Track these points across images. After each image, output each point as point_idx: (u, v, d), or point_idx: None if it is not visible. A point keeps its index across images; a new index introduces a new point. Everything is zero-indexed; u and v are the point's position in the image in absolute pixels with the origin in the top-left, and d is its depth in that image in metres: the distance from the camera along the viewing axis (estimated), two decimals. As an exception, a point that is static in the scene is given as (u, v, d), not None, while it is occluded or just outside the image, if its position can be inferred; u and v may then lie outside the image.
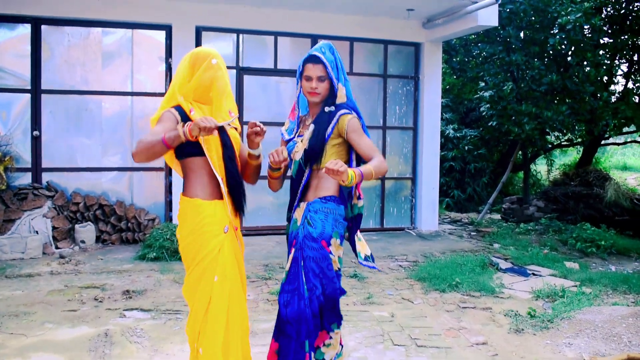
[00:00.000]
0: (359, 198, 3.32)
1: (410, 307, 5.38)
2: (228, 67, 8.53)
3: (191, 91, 3.05)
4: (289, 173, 3.40)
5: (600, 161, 16.77)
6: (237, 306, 3.04)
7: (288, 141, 3.41)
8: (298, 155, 3.25)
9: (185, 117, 2.98)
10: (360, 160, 3.26)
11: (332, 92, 3.25)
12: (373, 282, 6.16)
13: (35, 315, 4.96)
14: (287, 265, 3.21)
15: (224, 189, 3.02)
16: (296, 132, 3.40)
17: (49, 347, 4.27)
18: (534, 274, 6.87)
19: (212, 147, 3.01)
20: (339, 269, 3.22)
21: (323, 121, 3.20)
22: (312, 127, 3.22)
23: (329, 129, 3.18)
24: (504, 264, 7.18)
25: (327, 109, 3.24)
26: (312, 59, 3.21)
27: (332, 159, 3.16)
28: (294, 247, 3.22)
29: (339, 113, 3.18)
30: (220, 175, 3.02)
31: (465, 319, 5.07)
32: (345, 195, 3.32)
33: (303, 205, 3.27)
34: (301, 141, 3.27)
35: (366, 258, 3.36)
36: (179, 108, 3.02)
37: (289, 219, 3.39)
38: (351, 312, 5.15)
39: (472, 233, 9.55)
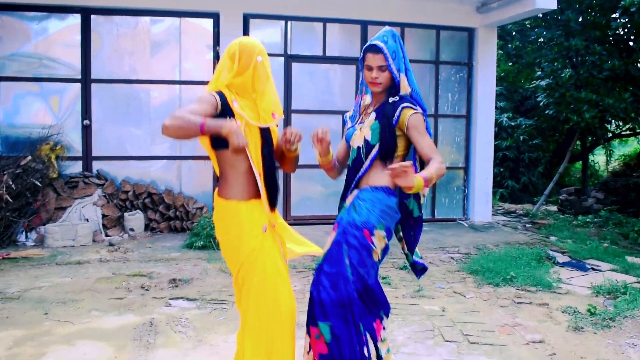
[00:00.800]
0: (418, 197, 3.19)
1: (462, 301, 5.15)
2: (276, 55, 8.63)
3: (236, 86, 2.94)
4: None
5: (662, 151, 16.02)
6: (284, 303, 2.92)
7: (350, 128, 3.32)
8: (356, 142, 3.15)
9: (226, 105, 2.87)
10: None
11: (394, 82, 3.12)
12: (424, 275, 5.94)
13: (83, 303, 4.96)
14: (326, 246, 3.07)
15: (261, 186, 2.91)
16: (358, 119, 3.29)
17: (94, 334, 4.24)
18: (593, 269, 6.53)
19: (251, 141, 2.90)
20: (379, 261, 3.09)
21: (389, 114, 3.07)
22: (373, 115, 3.12)
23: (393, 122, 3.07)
24: (561, 258, 6.85)
25: (391, 99, 3.10)
26: (372, 49, 3.08)
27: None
28: (336, 231, 3.09)
29: (401, 105, 3.04)
30: (258, 171, 2.92)
31: (521, 315, 4.81)
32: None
33: (355, 192, 3.16)
34: (360, 129, 3.17)
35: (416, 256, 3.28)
36: (221, 94, 2.91)
37: (340, 208, 3.26)
38: (400, 305, 4.97)
39: (527, 225, 9.20)
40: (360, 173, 3.13)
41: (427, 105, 8.96)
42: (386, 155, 3.06)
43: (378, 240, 3.00)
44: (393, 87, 3.12)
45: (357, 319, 2.95)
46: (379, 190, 3.06)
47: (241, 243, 2.88)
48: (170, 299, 5.09)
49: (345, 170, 3.29)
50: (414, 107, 3.04)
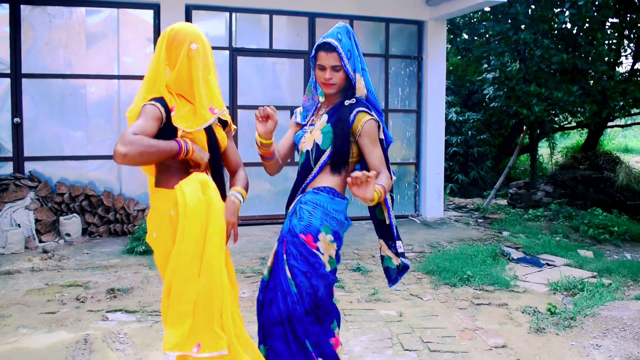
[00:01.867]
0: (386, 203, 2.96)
1: (419, 304, 4.94)
2: (221, 48, 8.22)
3: (172, 82, 2.61)
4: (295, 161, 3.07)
5: (602, 144, 16.30)
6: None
7: (300, 125, 3.07)
8: (305, 146, 2.90)
9: (168, 114, 2.56)
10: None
11: (349, 83, 2.87)
12: (378, 275, 5.72)
13: (10, 319, 4.52)
14: (269, 260, 2.86)
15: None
16: (309, 120, 3.02)
17: (21, 356, 3.83)
18: (547, 264, 6.46)
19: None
20: (333, 271, 2.85)
21: (343, 117, 2.82)
22: (325, 117, 2.88)
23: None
24: (515, 254, 6.75)
25: (347, 102, 2.86)
26: (326, 47, 2.81)
27: None
28: (277, 241, 2.86)
29: (356, 109, 2.81)
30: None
31: (481, 317, 4.64)
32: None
33: (297, 198, 2.93)
34: (310, 132, 2.91)
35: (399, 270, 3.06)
36: (161, 100, 2.58)
37: (287, 214, 2.99)
38: (355, 310, 4.72)
39: (479, 220, 9.13)
40: (308, 180, 2.89)
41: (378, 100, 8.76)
42: (338, 162, 2.82)
43: (325, 245, 2.76)
44: (348, 88, 2.88)
45: (300, 336, 2.69)
46: (321, 192, 2.82)
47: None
48: (107, 311, 4.70)
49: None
50: (369, 112, 2.81)
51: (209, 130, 2.67)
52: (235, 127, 2.98)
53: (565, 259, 6.60)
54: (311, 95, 3.06)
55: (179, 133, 2.56)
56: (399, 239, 3.04)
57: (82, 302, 4.94)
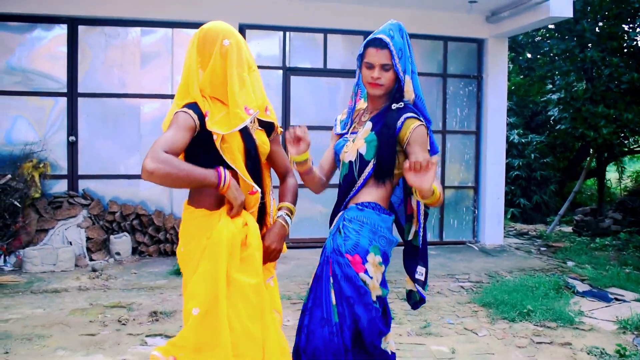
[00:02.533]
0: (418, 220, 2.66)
1: (474, 340, 4.59)
2: (274, 68, 8.11)
3: (206, 84, 2.42)
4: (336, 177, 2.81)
5: (674, 169, 15.41)
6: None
7: (340, 135, 2.80)
8: (348, 156, 2.64)
9: (203, 122, 2.38)
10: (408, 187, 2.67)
11: (398, 85, 2.61)
12: (431, 306, 5.40)
13: (50, 340, 4.45)
14: (310, 282, 2.61)
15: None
16: (349, 127, 2.77)
17: (54, 381, 3.73)
18: (616, 299, 5.97)
19: (235, 157, 2.42)
20: (382, 298, 2.55)
21: (390, 123, 2.56)
22: (369, 125, 2.62)
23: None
24: (581, 286, 6.28)
25: (395, 105, 2.60)
26: (376, 43, 2.57)
27: None
28: (320, 262, 2.61)
29: (404, 115, 2.55)
30: (248, 181, 2.46)
31: (541, 357, 4.25)
32: (398, 207, 2.78)
33: (340, 214, 2.67)
34: (353, 140, 2.66)
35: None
36: (194, 106, 2.39)
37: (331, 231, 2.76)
38: (404, 345, 4.41)
39: (542, 248, 8.63)
40: (351, 193, 2.63)
41: (434, 121, 8.46)
42: (382, 174, 2.56)
43: (374, 268, 2.50)
44: (395, 91, 2.63)
45: None
46: (366, 208, 2.57)
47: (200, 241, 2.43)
48: (147, 335, 4.56)
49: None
50: (418, 117, 2.55)
51: (246, 135, 2.44)
52: (282, 129, 2.72)
53: (635, 294, 6.10)
54: (355, 99, 2.82)
55: (216, 141, 2.37)
56: (424, 265, 2.70)
57: (124, 324, 4.83)
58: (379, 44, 2.56)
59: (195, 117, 2.35)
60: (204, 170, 2.26)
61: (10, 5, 7.21)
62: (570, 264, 7.51)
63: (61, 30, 7.55)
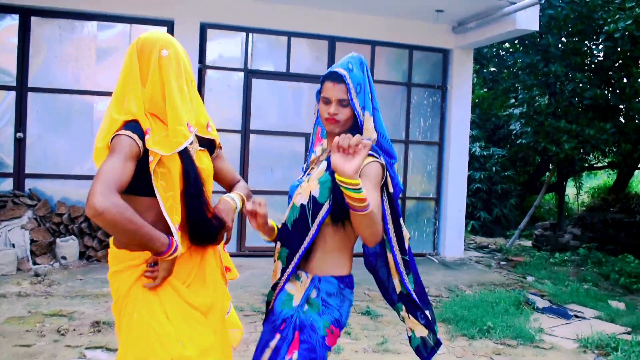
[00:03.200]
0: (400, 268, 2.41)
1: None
2: (236, 69, 7.86)
3: (146, 100, 2.16)
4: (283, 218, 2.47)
5: (632, 185, 15.62)
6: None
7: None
8: (300, 199, 2.36)
9: (143, 139, 2.11)
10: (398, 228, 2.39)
11: (357, 122, 2.37)
12: (389, 321, 5.22)
13: (-20, 351, 4.12)
14: (263, 355, 2.29)
15: (175, 234, 2.13)
16: (306, 170, 2.52)
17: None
18: (576, 316, 5.91)
19: (172, 183, 2.14)
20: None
21: None
22: (323, 164, 2.36)
23: None
24: (541, 302, 6.21)
25: None
26: (333, 76, 2.34)
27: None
28: (279, 333, 2.28)
29: None
30: (173, 221, 2.14)
31: (502, 377, 4.11)
32: (375, 262, 2.56)
33: (306, 279, 2.34)
34: (307, 181, 2.39)
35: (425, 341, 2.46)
36: (136, 126, 2.12)
37: (274, 287, 2.48)
38: (361, 362, 4.23)
39: (502, 262, 8.56)
40: (306, 243, 2.31)
41: (398, 131, 8.35)
42: (339, 217, 2.28)
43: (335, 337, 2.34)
44: (354, 128, 2.38)
45: None
46: (346, 285, 2.36)
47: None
48: (87, 347, 4.26)
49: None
50: (375, 155, 2.29)
51: (186, 157, 2.17)
52: (221, 146, 2.48)
53: (595, 311, 6.05)
54: (314, 140, 2.58)
55: (151, 163, 2.10)
56: (428, 307, 2.45)
57: (63, 334, 4.52)
58: (335, 77, 2.33)
59: (139, 141, 2.09)
60: (155, 233, 2.02)
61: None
62: (530, 279, 7.44)
63: (12, 20, 7.18)
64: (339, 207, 2.28)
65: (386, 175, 2.32)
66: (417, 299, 2.41)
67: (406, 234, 2.41)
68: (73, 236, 7.00)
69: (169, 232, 2.10)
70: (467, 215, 11.50)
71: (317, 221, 2.30)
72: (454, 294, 6.30)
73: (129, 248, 2.15)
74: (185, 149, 2.15)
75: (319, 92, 2.42)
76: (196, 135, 2.26)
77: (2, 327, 4.64)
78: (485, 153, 12.42)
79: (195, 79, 2.33)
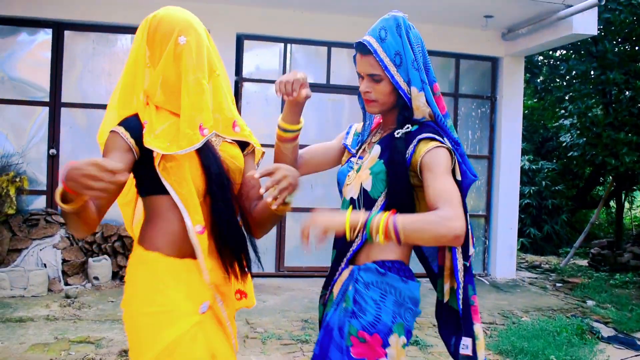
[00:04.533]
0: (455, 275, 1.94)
1: (491, 397, 3.97)
2: (273, 82, 7.47)
3: (154, 90, 1.85)
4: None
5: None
6: None
7: (347, 149, 2.19)
8: (350, 191, 1.99)
9: (139, 134, 1.81)
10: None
11: (403, 101, 1.94)
12: (440, 352, 4.75)
13: (-1, 383, 3.84)
14: None
15: (195, 240, 1.81)
16: (358, 149, 2.12)
17: None
18: (645, 346, 5.35)
19: (184, 178, 1.80)
20: None
21: (399, 150, 1.90)
22: (376, 149, 1.96)
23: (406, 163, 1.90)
24: (605, 331, 5.65)
25: (397, 133, 1.92)
26: (360, 47, 1.95)
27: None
28: (318, 341, 1.93)
29: (418, 137, 1.88)
30: (193, 218, 1.81)
31: (572, 422, 3.62)
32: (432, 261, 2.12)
33: (346, 271, 1.97)
34: (356, 171, 2.00)
35: None
36: (132, 121, 1.84)
37: (322, 296, 2.10)
38: (410, 401, 3.79)
39: (558, 284, 7.98)
40: (355, 245, 1.93)
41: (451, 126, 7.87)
42: (400, 209, 1.83)
43: (397, 352, 1.84)
44: (402, 108, 1.96)
45: None
46: (390, 271, 1.89)
47: (160, 324, 1.80)
48: (111, 381, 3.94)
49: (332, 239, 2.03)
50: (437, 138, 1.87)
51: (204, 149, 1.85)
52: (264, 152, 2.14)
53: (666, 340, 5.49)
54: (366, 114, 2.17)
55: (155, 159, 1.80)
56: (469, 335, 1.96)
57: (88, 365, 4.22)
58: (362, 48, 1.96)
59: (127, 136, 1.80)
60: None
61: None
62: (590, 303, 6.86)
63: (46, 35, 7.01)
64: (396, 202, 1.87)
65: (454, 162, 1.89)
66: (463, 318, 1.95)
67: (471, 238, 1.97)
68: (106, 256, 6.75)
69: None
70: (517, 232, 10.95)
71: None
72: (509, 320, 5.79)
73: (157, 245, 1.88)
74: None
75: (354, 64, 2.04)
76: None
77: (26, 355, 4.37)
78: (534, 167, 11.84)
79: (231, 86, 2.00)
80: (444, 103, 2.03)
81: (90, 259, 6.62)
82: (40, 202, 6.97)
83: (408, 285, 1.90)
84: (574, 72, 8.83)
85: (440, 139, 1.88)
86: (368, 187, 1.93)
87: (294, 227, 7.44)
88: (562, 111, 10.77)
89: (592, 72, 8.44)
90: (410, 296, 1.90)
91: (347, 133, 2.24)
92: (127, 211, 2.09)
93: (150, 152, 1.80)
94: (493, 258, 8.04)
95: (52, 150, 6.96)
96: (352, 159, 2.09)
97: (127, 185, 1.94)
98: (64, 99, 7.01)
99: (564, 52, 9.55)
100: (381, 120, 2.12)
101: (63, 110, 7.02)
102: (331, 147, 2.29)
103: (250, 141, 2.05)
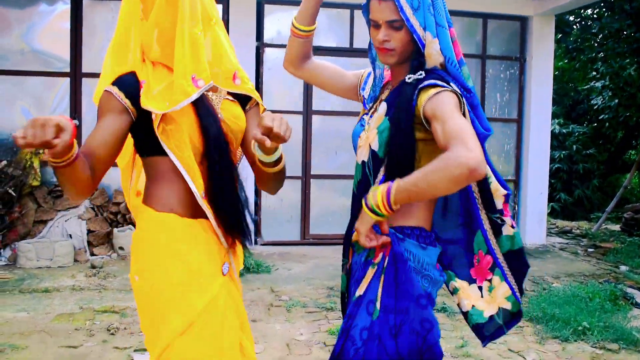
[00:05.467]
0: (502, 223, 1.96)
1: (521, 365, 3.86)
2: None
3: (150, 42, 1.75)
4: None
5: None
6: None
7: (363, 104, 2.07)
8: (361, 155, 1.88)
9: (135, 94, 1.72)
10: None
11: (418, 48, 1.82)
12: (467, 319, 4.66)
13: (25, 352, 3.84)
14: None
15: (202, 204, 1.73)
16: (372, 105, 1.99)
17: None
18: (682, 312, 5.18)
19: (183, 141, 1.71)
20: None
21: (403, 102, 1.76)
22: (383, 107, 1.83)
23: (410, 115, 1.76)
24: (639, 296, 5.49)
25: (409, 78, 1.80)
26: None
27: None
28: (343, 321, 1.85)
29: (419, 86, 1.74)
30: (195, 183, 1.71)
31: (606, 390, 3.51)
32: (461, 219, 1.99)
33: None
34: (366, 130, 1.89)
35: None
36: (127, 79, 1.74)
37: (344, 265, 2.01)
38: (438, 369, 3.70)
39: (589, 249, 7.79)
40: None
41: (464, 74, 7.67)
42: (396, 173, 1.73)
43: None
44: (417, 55, 1.84)
45: None
46: (408, 237, 1.80)
47: (187, 292, 1.74)
48: (135, 350, 3.92)
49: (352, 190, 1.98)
50: (436, 83, 1.73)
51: (203, 108, 1.75)
52: (265, 108, 1.98)
53: (703, 305, 5.30)
54: (375, 68, 2.03)
55: (154, 121, 1.71)
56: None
57: (113, 334, 4.21)
58: None
59: (121, 96, 1.71)
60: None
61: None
62: (623, 268, 6.68)
63: (64, 5, 6.94)
64: (394, 164, 1.77)
65: (463, 107, 1.76)
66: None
67: (498, 190, 1.91)
68: (130, 225, 6.75)
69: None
70: (547, 197, 10.73)
71: (377, 180, 1.82)
72: (539, 287, 5.66)
73: (170, 206, 1.79)
74: (202, 97, 1.74)
75: (365, 11, 1.89)
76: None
77: (51, 325, 4.37)
78: (564, 130, 11.56)
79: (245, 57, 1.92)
80: (460, 49, 1.89)
81: (115, 229, 6.63)
82: (64, 173, 6.97)
83: (427, 251, 1.81)
84: (606, 30, 8.51)
85: (444, 84, 1.74)
86: (375, 147, 1.82)
87: (319, 194, 7.36)
88: (594, 73, 10.45)
89: (625, 31, 8.09)
90: (430, 262, 1.81)
91: (365, 82, 2.10)
92: (125, 174, 1.99)
93: (149, 112, 1.71)
94: (523, 223, 7.86)
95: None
96: (365, 117, 1.97)
97: (125, 146, 1.84)
98: (84, 70, 6.97)
99: (597, 10, 9.19)
100: (391, 77, 1.98)
101: (84, 80, 6.97)
102: (344, 77, 2.17)
103: (253, 95, 1.94)
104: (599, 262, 6.97)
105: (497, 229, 1.95)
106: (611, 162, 12.97)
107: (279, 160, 1.77)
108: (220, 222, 1.79)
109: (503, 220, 1.94)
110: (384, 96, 1.94)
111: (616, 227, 9.75)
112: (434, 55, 1.81)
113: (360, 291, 1.82)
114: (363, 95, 2.08)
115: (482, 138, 1.85)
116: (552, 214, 11.05)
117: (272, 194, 1.99)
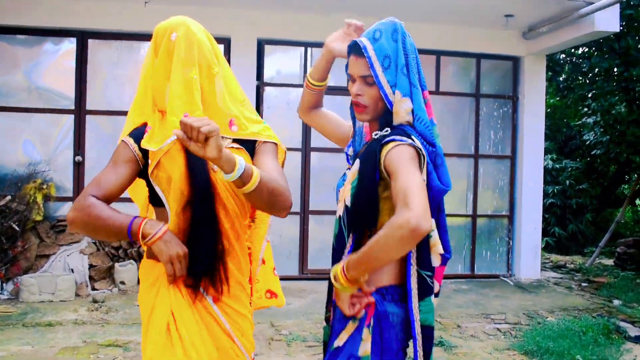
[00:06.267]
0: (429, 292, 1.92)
1: (517, 398, 3.96)
2: (295, 86, 7.60)
3: (162, 94, 1.90)
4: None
5: None
6: None
7: (346, 159, 2.19)
8: (338, 210, 1.97)
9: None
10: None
11: (385, 106, 1.94)
12: (465, 353, 4.76)
13: (31, 386, 3.92)
14: None
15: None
16: (353, 157, 2.11)
17: None
18: (674, 345, 5.29)
19: (170, 185, 1.85)
20: None
21: (369, 157, 1.87)
22: (357, 164, 1.93)
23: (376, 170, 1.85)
24: (632, 330, 5.61)
25: (375, 134, 1.93)
26: (355, 49, 1.96)
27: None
28: None
29: (382, 142, 1.85)
30: (177, 230, 1.86)
31: (600, 423, 3.61)
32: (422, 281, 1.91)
33: None
34: (344, 186, 2.01)
35: None
36: (140, 131, 1.90)
37: (327, 319, 2.11)
38: (436, 402, 3.80)
39: (583, 284, 7.91)
40: (345, 255, 1.93)
41: (466, 145, 7.87)
42: (360, 219, 1.86)
43: None
44: (387, 113, 1.95)
45: None
46: (389, 299, 1.90)
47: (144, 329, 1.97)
48: (140, 383, 4.00)
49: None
50: (399, 138, 1.82)
51: (192, 157, 1.80)
52: (285, 149, 2.16)
53: (695, 339, 5.41)
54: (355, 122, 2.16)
55: (150, 167, 1.86)
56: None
57: (117, 368, 4.29)
58: (356, 49, 1.96)
59: (133, 144, 1.87)
60: (121, 217, 1.77)
61: (21, 18, 6.80)
62: (616, 302, 6.80)
63: (70, 44, 7.14)
64: (358, 217, 1.86)
65: (423, 159, 1.83)
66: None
67: (436, 246, 1.88)
68: (132, 260, 6.85)
69: None
70: (541, 232, 10.85)
71: (351, 234, 1.90)
72: (534, 321, 5.77)
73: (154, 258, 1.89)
74: None
75: (347, 68, 2.04)
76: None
77: (56, 358, 4.47)
78: (557, 166, 11.75)
79: (245, 95, 2.05)
80: (432, 110, 2.00)
81: (116, 264, 6.72)
82: (66, 209, 7.07)
83: (401, 307, 1.89)
84: (596, 69, 8.76)
85: (404, 138, 1.82)
86: (348, 203, 1.90)
87: (317, 230, 7.48)
88: (585, 109, 10.69)
89: (615, 69, 8.35)
90: (404, 317, 1.88)
91: (353, 140, 2.18)
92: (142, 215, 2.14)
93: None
94: (517, 258, 7.99)
95: (78, 157, 7.07)
96: (347, 172, 2.07)
97: (141, 194, 2.01)
98: (88, 107, 7.13)
99: (586, 49, 9.46)
100: (368, 134, 2.09)
101: (88, 117, 7.13)
102: (340, 126, 2.36)
103: (254, 137, 1.99)
104: (592, 297, 7.09)
105: (425, 289, 1.89)
106: (604, 197, 13.13)
107: (247, 178, 1.69)
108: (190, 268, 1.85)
109: (432, 283, 1.91)
110: (362, 149, 2.04)
111: (610, 262, 9.87)
112: (401, 113, 1.90)
113: (339, 342, 1.89)
114: (347, 153, 2.20)
115: (438, 193, 1.91)
116: (547, 248, 11.17)
117: (274, 214, 1.97)
